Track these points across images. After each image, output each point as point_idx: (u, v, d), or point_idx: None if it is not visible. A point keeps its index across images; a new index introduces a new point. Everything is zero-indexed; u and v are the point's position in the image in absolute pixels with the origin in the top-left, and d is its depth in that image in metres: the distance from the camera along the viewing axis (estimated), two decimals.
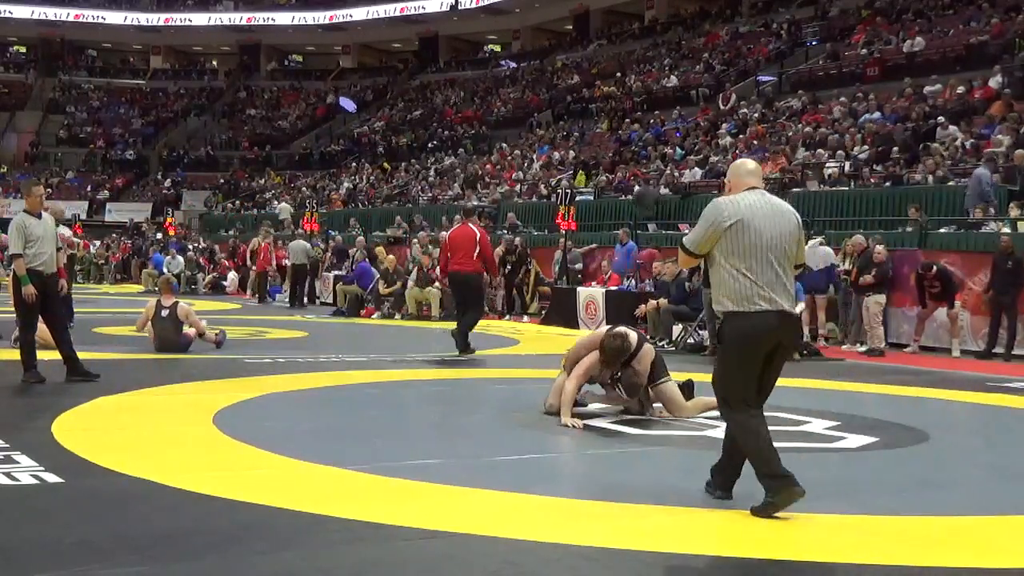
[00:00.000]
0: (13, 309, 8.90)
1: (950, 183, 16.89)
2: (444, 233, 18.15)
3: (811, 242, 14.84)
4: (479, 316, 12.27)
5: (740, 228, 4.74)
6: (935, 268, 13.09)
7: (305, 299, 21.07)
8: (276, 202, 36.09)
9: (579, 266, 18.55)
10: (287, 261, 21.32)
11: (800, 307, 12.76)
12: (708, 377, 8.19)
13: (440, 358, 11.53)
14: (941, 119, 19.39)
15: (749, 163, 5.22)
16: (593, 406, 7.67)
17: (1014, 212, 14.77)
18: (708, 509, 4.81)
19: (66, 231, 14.06)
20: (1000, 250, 12.82)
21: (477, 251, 11.77)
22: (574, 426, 6.91)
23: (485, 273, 12.61)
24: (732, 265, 4.74)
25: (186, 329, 11.32)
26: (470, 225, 12.27)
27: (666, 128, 28.25)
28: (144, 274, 27.01)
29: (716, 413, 7.40)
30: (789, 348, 4.99)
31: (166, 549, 4.01)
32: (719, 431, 6.92)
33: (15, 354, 8.99)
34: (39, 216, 8.73)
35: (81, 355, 8.89)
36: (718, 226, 4.76)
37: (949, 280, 13.06)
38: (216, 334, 11.75)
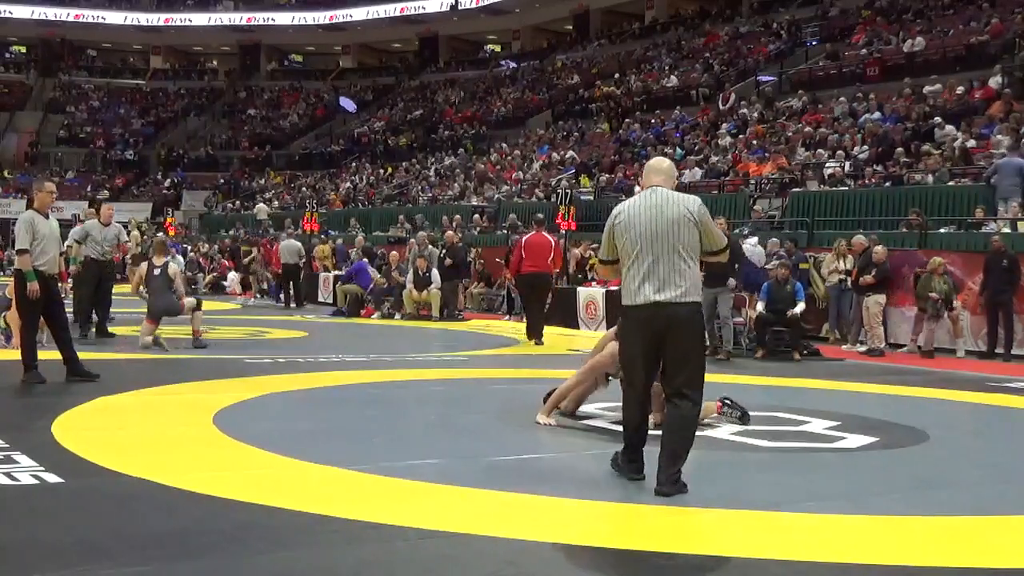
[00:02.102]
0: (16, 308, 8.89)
1: (950, 183, 16.89)
2: (447, 233, 18.56)
3: (750, 240, 14.93)
4: (544, 312, 14.10)
5: (622, 227, 5.14)
6: None
7: (293, 301, 20.77)
8: (273, 203, 36.19)
9: None
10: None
11: (800, 307, 12.76)
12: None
13: (440, 358, 11.53)
14: (938, 119, 19.35)
15: (661, 163, 5.40)
16: (594, 406, 7.66)
17: (1015, 211, 14.78)
18: (708, 509, 4.81)
19: (123, 233, 14.12)
20: (992, 251, 12.82)
21: (551, 256, 13.83)
22: (547, 424, 6.94)
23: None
24: (623, 263, 5.16)
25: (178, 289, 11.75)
26: (544, 233, 14.05)
27: (666, 128, 28.26)
28: None
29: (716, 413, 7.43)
30: (676, 334, 5.00)
31: (166, 549, 4.01)
32: (720, 431, 6.94)
33: (15, 354, 8.99)
34: (46, 216, 8.74)
35: (81, 355, 8.88)
36: (610, 230, 5.23)
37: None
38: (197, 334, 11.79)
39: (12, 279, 8.89)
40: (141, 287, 11.95)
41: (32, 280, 8.41)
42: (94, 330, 12.57)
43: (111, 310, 13.40)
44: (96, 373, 8.66)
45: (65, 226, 11.05)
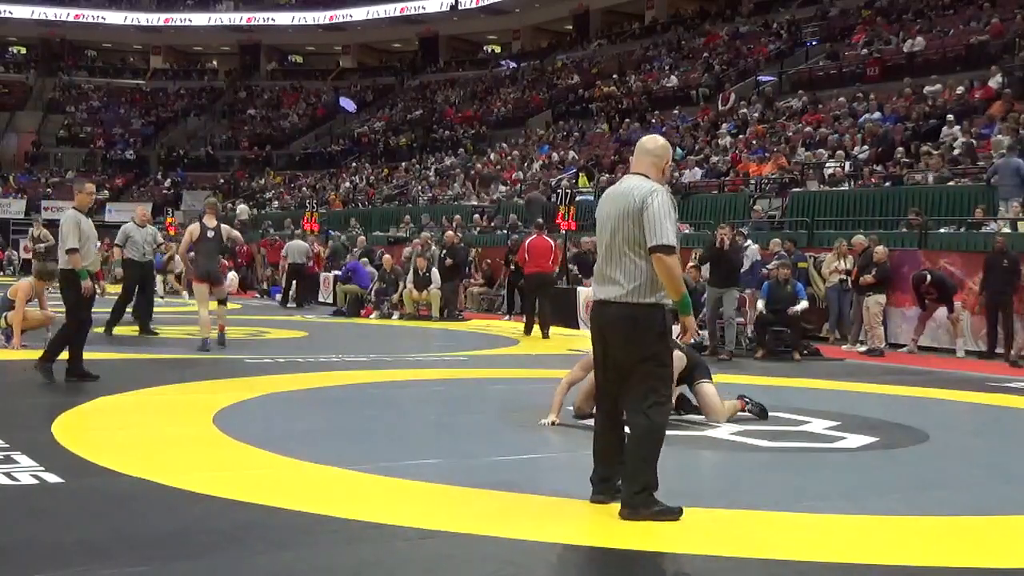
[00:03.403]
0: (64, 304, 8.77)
1: (950, 183, 16.89)
2: (447, 233, 19.08)
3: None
4: (549, 309, 14.99)
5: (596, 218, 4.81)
6: (929, 278, 13.06)
7: (294, 301, 20.72)
8: (273, 203, 36.10)
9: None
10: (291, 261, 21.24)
11: (802, 305, 12.74)
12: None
13: (442, 358, 11.53)
14: (950, 116, 19.30)
15: (655, 140, 4.85)
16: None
17: (1015, 211, 14.76)
18: (708, 509, 4.81)
19: (159, 235, 14.18)
20: (994, 250, 12.80)
21: (552, 257, 15.10)
22: (551, 423, 6.94)
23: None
24: None
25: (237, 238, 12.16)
26: (545, 236, 15.25)
27: (666, 128, 28.25)
28: None
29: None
30: (615, 340, 4.59)
31: (166, 549, 4.01)
32: (721, 431, 6.94)
33: (15, 354, 8.98)
34: (87, 215, 8.76)
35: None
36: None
37: (945, 285, 13.05)
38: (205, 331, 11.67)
39: (61, 279, 8.77)
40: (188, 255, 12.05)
41: (85, 279, 8.46)
42: (110, 329, 12.49)
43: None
44: (96, 374, 8.65)
45: None
